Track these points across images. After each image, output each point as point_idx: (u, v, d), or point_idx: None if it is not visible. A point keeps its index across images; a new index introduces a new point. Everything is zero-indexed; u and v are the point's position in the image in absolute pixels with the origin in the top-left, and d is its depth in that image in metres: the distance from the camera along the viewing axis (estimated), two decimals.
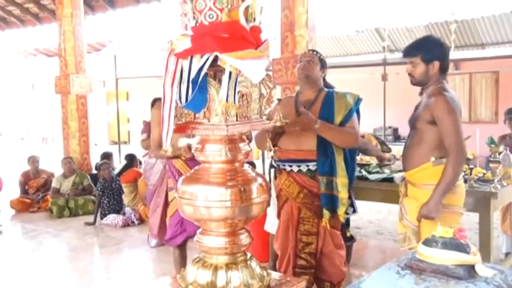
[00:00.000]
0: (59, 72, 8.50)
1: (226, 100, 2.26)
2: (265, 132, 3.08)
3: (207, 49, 2.25)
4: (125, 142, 16.11)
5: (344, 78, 9.40)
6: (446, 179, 2.93)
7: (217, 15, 2.32)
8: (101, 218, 6.84)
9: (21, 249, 5.91)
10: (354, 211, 3.41)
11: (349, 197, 3.28)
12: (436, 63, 3.11)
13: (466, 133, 5.40)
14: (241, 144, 2.53)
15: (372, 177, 4.26)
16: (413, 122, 3.20)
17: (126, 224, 6.65)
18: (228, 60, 2.23)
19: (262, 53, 2.36)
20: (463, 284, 1.68)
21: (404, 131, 11.33)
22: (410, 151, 3.16)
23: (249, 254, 2.62)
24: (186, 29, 2.39)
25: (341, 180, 3.16)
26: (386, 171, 4.40)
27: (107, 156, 8.02)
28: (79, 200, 7.49)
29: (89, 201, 7.50)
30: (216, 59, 2.25)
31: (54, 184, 7.78)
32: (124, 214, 6.82)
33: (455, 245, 1.78)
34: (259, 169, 3.21)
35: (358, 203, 3.55)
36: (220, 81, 2.30)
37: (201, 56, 2.27)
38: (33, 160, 8.32)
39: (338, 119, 3.19)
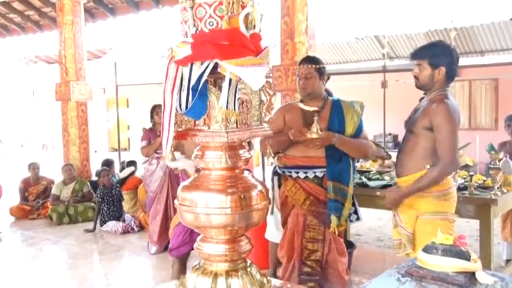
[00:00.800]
0: (60, 79, 8.51)
1: (226, 107, 2.26)
2: (269, 138, 3.06)
3: (207, 56, 2.26)
4: (125, 149, 16.11)
5: (344, 85, 9.41)
6: (423, 183, 2.93)
7: (218, 23, 2.32)
8: (101, 225, 6.83)
9: (21, 256, 5.89)
10: (358, 218, 3.40)
11: (353, 204, 3.27)
12: (442, 69, 3.08)
13: (466, 140, 5.44)
14: (241, 151, 2.53)
15: (372, 184, 4.25)
16: (410, 125, 3.17)
17: (126, 231, 6.63)
18: (228, 68, 2.23)
19: (262, 60, 2.37)
20: None
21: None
22: (404, 157, 3.13)
23: (249, 261, 2.62)
24: (187, 36, 2.40)
25: (349, 187, 3.16)
26: (387, 177, 4.40)
27: (108, 163, 8.03)
28: (79, 207, 7.47)
29: (88, 208, 7.48)
30: (216, 66, 2.25)
31: (54, 191, 7.76)
32: (124, 221, 6.80)
33: (456, 252, 1.78)
34: (258, 176, 3.21)
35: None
36: (220, 88, 2.30)
37: (201, 63, 2.28)
38: (33, 167, 8.30)
39: (349, 129, 3.20)
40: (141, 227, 6.73)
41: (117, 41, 12.65)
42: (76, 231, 6.85)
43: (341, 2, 9.57)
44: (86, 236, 6.65)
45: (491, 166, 4.30)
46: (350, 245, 4.31)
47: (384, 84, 9.38)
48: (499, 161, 4.29)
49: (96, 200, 7.13)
